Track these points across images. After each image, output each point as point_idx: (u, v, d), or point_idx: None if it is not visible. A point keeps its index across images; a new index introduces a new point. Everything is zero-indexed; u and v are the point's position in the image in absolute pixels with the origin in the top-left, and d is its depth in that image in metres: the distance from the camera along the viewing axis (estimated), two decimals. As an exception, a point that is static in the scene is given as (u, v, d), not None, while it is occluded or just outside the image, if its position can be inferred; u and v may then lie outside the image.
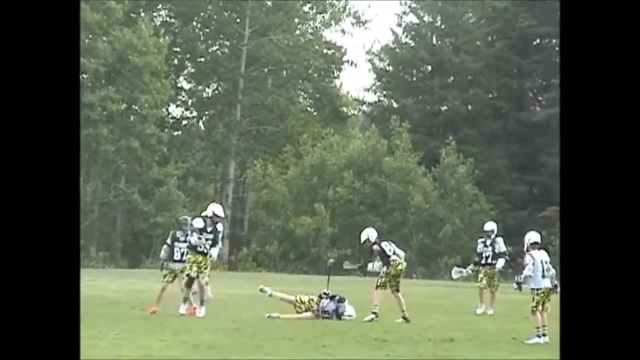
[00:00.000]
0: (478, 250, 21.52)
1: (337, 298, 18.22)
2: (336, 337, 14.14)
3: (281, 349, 12.22)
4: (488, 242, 21.25)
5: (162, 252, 19.27)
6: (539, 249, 14.28)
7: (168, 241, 19.17)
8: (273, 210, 52.91)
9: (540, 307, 14.07)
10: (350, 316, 18.02)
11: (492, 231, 21.43)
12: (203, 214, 18.53)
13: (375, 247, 18.22)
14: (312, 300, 18.27)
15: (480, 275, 21.21)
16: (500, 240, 21.33)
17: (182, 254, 18.75)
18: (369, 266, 18.49)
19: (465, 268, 22.09)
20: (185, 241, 18.67)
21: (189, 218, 19.60)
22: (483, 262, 21.20)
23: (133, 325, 15.04)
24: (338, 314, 17.96)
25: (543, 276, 14.01)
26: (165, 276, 18.87)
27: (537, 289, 14.12)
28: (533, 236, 14.38)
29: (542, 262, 14.06)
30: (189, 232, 18.52)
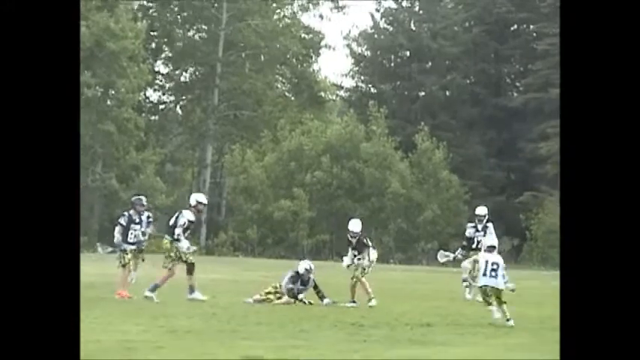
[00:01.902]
0: (467, 234, 20.93)
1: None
2: (313, 322, 14.13)
3: (258, 334, 12.20)
4: (479, 227, 20.72)
5: (117, 234, 18.83)
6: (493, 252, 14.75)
7: (123, 222, 18.92)
8: (251, 195, 52.86)
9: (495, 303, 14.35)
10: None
11: (484, 215, 20.89)
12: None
13: (362, 239, 18.53)
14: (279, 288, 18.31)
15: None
16: (491, 225, 20.81)
17: (136, 236, 18.67)
18: (366, 261, 18.41)
19: (454, 252, 21.41)
20: (139, 223, 18.66)
21: (143, 198, 19.52)
22: (474, 246, 20.51)
23: (110, 310, 15.00)
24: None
25: (484, 274, 14.37)
26: (121, 259, 18.66)
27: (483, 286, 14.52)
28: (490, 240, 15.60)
29: (491, 263, 14.37)
30: (145, 214, 18.70)
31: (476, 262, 14.83)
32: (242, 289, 21.99)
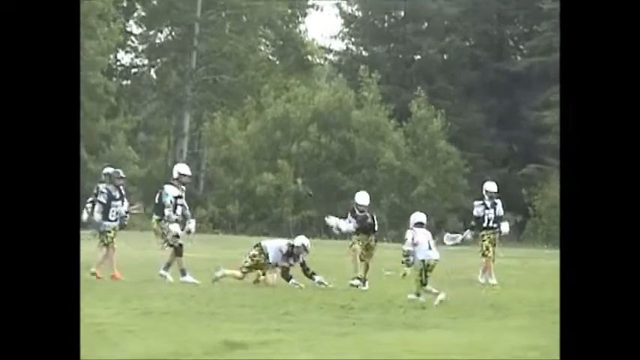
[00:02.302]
0: (475, 213, 20.73)
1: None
2: (298, 304, 14.24)
3: (240, 317, 12.29)
4: (489, 204, 20.58)
5: (97, 213, 18.69)
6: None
7: (103, 199, 18.84)
8: (233, 167, 52.86)
9: (423, 279, 15.25)
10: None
11: (494, 192, 20.75)
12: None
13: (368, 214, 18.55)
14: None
15: (485, 242, 20.50)
16: (499, 202, 20.73)
17: (118, 213, 18.71)
18: (344, 225, 18.63)
19: (462, 233, 21.06)
20: (119, 199, 18.69)
21: (120, 171, 19.53)
22: (485, 225, 20.50)
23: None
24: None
25: (430, 248, 15.46)
26: (104, 239, 18.66)
27: (424, 261, 15.32)
28: (418, 217, 15.89)
29: (427, 241, 15.51)
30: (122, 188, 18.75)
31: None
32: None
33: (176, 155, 56.89)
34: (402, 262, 15.49)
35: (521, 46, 62.71)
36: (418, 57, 60.70)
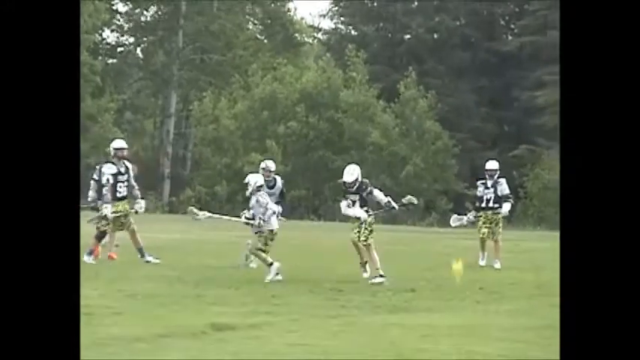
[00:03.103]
0: (478, 193, 20.38)
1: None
2: (287, 286, 14.19)
3: (226, 299, 12.25)
4: (489, 183, 20.14)
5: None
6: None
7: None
8: (220, 147, 52.76)
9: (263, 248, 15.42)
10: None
11: (495, 170, 20.31)
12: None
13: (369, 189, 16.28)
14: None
15: (480, 223, 20.09)
16: (503, 181, 20.28)
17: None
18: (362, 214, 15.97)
19: (467, 215, 20.83)
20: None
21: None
22: (484, 205, 20.08)
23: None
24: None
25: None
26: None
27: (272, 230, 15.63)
28: (258, 179, 16.24)
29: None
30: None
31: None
32: (209, 250, 22.04)
33: (163, 135, 56.78)
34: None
35: (512, 26, 62.67)
36: (408, 36, 60.58)
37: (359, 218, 15.80)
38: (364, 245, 15.87)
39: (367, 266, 16.19)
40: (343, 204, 16.03)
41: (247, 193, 15.93)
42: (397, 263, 18.30)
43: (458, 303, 12.72)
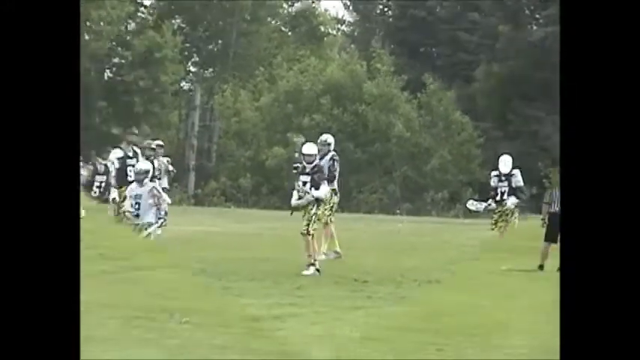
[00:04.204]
0: (492, 184, 20.65)
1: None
2: (311, 277, 14.20)
3: (252, 292, 12.27)
4: (503, 177, 20.36)
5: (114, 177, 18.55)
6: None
7: (115, 162, 18.55)
8: (244, 140, 52.80)
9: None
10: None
11: (509, 162, 20.54)
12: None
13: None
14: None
15: (495, 216, 20.37)
16: (517, 172, 20.43)
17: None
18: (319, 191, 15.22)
19: (486, 201, 20.81)
20: (133, 158, 18.39)
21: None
22: (498, 198, 20.24)
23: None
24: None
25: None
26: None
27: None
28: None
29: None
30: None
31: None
32: (233, 242, 22.06)
33: (188, 128, 56.90)
34: None
35: (537, 15, 62.34)
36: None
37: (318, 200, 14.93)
38: (311, 234, 14.82)
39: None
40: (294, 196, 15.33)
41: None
42: (422, 254, 18.29)
43: (485, 294, 12.70)
